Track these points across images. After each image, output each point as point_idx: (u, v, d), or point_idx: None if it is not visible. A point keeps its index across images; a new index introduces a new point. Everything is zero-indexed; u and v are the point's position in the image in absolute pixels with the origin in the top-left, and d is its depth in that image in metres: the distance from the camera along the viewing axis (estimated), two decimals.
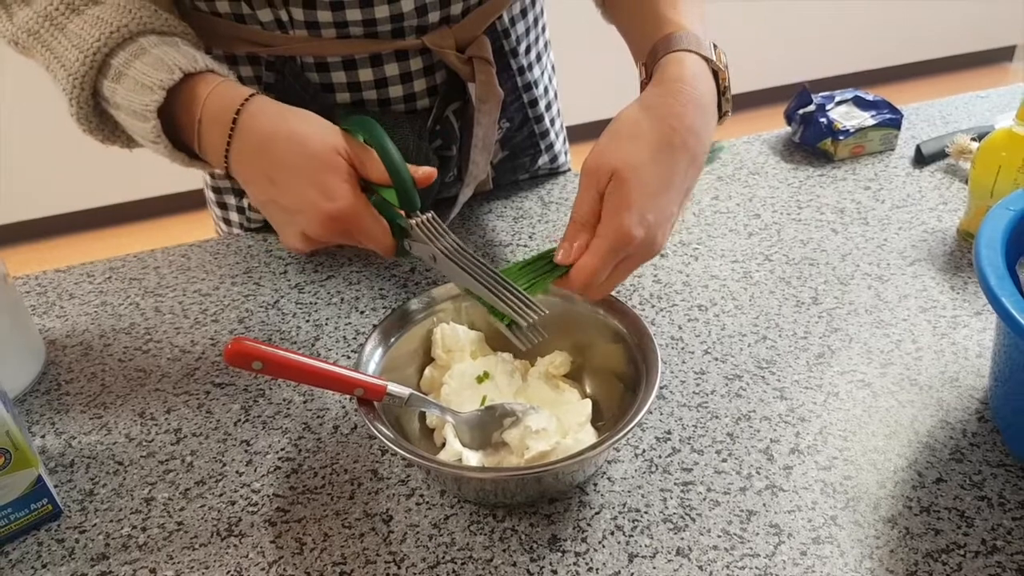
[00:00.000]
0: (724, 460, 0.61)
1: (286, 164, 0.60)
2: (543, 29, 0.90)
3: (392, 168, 0.60)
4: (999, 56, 3.56)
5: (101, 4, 0.64)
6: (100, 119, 0.67)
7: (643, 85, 0.66)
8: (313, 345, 0.75)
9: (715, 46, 0.66)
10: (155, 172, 2.58)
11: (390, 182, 0.61)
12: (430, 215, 0.62)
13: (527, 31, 0.85)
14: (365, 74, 0.76)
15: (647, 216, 0.58)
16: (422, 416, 0.64)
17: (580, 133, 1.48)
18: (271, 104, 0.62)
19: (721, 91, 0.65)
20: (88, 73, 0.63)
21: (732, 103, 0.67)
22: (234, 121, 0.61)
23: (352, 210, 0.59)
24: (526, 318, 0.58)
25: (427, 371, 0.66)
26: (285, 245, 0.64)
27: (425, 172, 0.62)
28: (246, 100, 0.61)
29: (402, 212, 0.62)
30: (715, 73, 0.65)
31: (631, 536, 0.56)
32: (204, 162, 0.66)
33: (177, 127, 0.64)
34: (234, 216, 0.93)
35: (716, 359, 0.71)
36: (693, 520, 0.57)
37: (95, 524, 0.60)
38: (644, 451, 0.63)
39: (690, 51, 0.63)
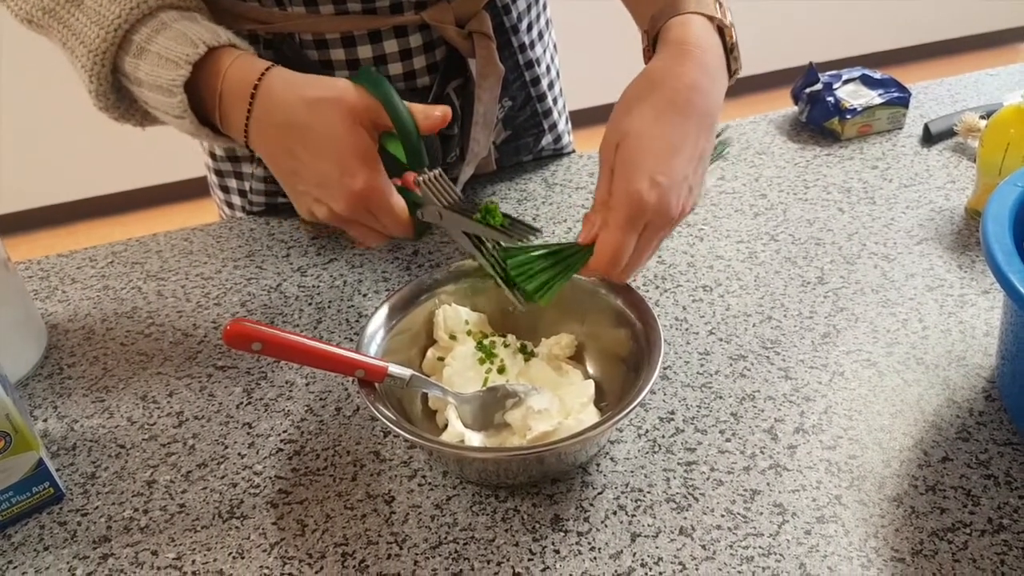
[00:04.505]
0: (728, 440, 0.61)
1: (308, 140, 0.59)
2: (544, 7, 0.89)
3: (400, 125, 0.60)
4: (1011, 37, 3.52)
5: None
6: (117, 96, 0.67)
7: (645, 53, 0.65)
8: (315, 328, 0.75)
9: (720, 4, 0.63)
10: (157, 160, 2.59)
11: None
12: (438, 171, 0.63)
13: (528, 7, 0.84)
14: (364, 51, 0.75)
15: (657, 178, 0.55)
16: (424, 398, 0.64)
17: (584, 118, 1.47)
18: (289, 75, 0.61)
19: (728, 48, 0.63)
20: (109, 49, 0.62)
21: (741, 61, 0.64)
22: (252, 95, 0.60)
23: (375, 186, 0.59)
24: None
25: (429, 353, 0.66)
26: (301, 214, 0.64)
27: (442, 111, 0.61)
28: (264, 72, 0.61)
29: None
30: (721, 31, 0.62)
31: (634, 516, 0.56)
32: (228, 137, 0.65)
33: (200, 102, 0.63)
34: (236, 199, 0.93)
35: (720, 339, 0.70)
36: (696, 500, 0.57)
37: (97, 507, 0.60)
38: (647, 431, 0.62)
39: (694, 12, 0.61)
